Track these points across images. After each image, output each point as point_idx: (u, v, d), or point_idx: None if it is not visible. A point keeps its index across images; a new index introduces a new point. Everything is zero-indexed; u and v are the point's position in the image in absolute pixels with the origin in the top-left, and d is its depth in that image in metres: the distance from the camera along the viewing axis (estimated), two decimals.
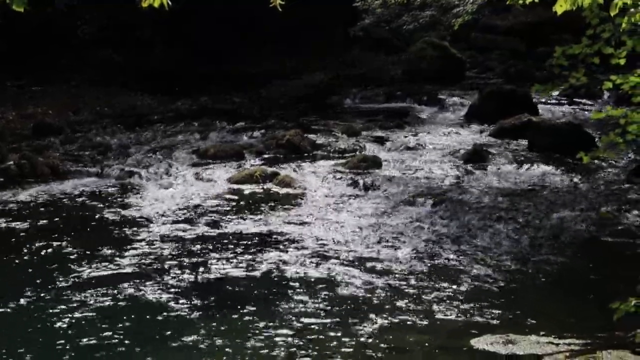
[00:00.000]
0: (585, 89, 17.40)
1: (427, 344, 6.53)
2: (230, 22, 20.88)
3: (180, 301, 7.38)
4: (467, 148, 13.53)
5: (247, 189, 11.55)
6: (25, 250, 8.82)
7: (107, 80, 19.83)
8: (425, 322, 6.95)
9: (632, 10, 5.08)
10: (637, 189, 11.18)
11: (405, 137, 14.74)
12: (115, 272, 8.09)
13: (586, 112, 16.80)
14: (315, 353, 6.33)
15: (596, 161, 12.18)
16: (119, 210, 10.46)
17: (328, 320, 6.93)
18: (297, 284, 7.80)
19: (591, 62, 7.08)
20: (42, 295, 7.45)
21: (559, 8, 4.72)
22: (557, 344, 6.31)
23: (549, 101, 17.36)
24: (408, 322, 6.95)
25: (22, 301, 7.31)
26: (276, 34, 20.51)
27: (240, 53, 21.20)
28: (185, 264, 8.36)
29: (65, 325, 6.79)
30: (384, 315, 7.07)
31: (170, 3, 4.09)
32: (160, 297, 7.45)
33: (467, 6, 18.02)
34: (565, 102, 17.84)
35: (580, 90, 17.49)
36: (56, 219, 10.05)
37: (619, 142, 6.73)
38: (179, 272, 8.11)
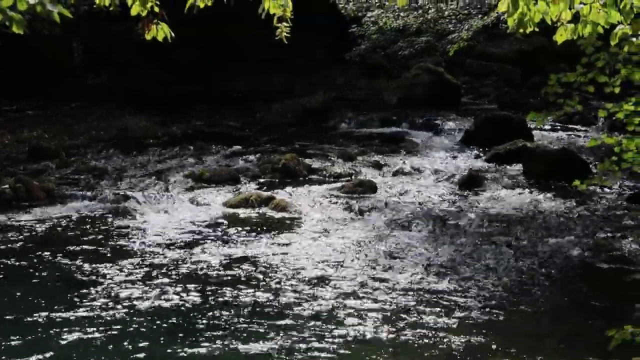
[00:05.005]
0: (579, 115, 17.52)
1: None
2: (232, 48, 21.06)
3: (173, 326, 7.35)
4: (462, 173, 13.57)
5: (243, 213, 11.54)
6: (19, 274, 8.78)
7: (101, 105, 19.88)
8: (420, 351, 6.92)
9: (632, 39, 5.10)
10: (632, 216, 11.20)
11: (401, 161, 14.77)
12: (108, 296, 8.05)
13: (580, 139, 16.88)
14: None
15: (591, 187, 12.20)
16: (114, 234, 10.44)
17: (324, 347, 6.90)
18: (292, 310, 7.77)
19: (585, 90, 7.14)
20: (33, 318, 7.41)
21: (559, 37, 4.73)
22: None
23: (543, 127, 17.42)
24: (403, 350, 6.92)
25: (14, 323, 7.27)
26: (269, 59, 20.70)
27: (235, 74, 21.33)
28: (180, 288, 8.32)
29: (54, 348, 6.75)
30: (379, 342, 7.04)
31: (173, 35, 4.11)
32: (150, 323, 7.41)
33: (462, 33, 18.12)
34: (560, 128, 17.92)
35: (574, 117, 17.62)
36: (51, 243, 10.01)
37: (615, 170, 6.76)
38: (173, 296, 8.08)
